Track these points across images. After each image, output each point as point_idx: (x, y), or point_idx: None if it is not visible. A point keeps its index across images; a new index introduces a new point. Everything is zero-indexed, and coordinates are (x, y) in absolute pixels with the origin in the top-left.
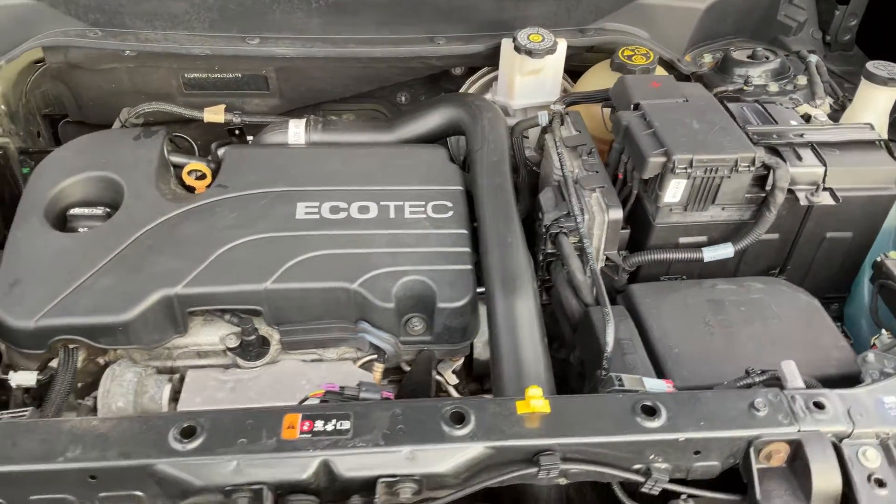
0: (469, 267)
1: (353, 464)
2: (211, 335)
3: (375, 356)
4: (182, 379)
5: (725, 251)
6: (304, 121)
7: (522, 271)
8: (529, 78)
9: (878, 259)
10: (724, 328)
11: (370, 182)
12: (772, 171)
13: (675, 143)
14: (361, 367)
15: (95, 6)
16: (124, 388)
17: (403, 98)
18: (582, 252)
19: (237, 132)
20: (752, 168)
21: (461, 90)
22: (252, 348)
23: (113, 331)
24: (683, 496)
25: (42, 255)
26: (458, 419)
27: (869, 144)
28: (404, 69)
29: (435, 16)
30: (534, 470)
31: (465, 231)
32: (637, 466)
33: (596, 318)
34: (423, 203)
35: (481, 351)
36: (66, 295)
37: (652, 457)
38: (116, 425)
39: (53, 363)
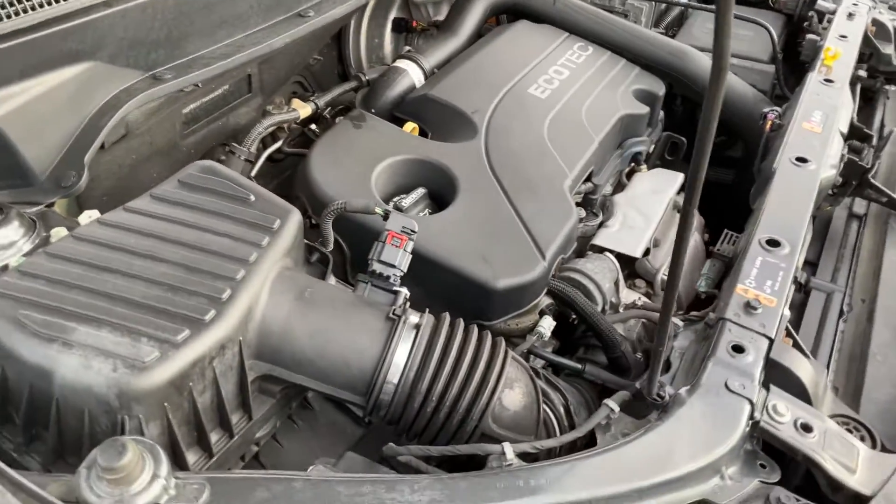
0: (639, 68)
1: None
2: None
3: (630, 167)
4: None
5: None
6: (409, 61)
7: None
8: None
9: None
10: None
11: (530, 58)
12: None
13: None
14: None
15: (163, 39)
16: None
17: (314, 59)
18: None
19: None
20: None
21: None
22: (596, 205)
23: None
24: None
25: (458, 234)
26: None
27: None
28: None
29: None
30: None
31: (609, 53)
32: None
33: None
34: (572, 47)
35: None
36: (532, 236)
37: None
38: None
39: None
